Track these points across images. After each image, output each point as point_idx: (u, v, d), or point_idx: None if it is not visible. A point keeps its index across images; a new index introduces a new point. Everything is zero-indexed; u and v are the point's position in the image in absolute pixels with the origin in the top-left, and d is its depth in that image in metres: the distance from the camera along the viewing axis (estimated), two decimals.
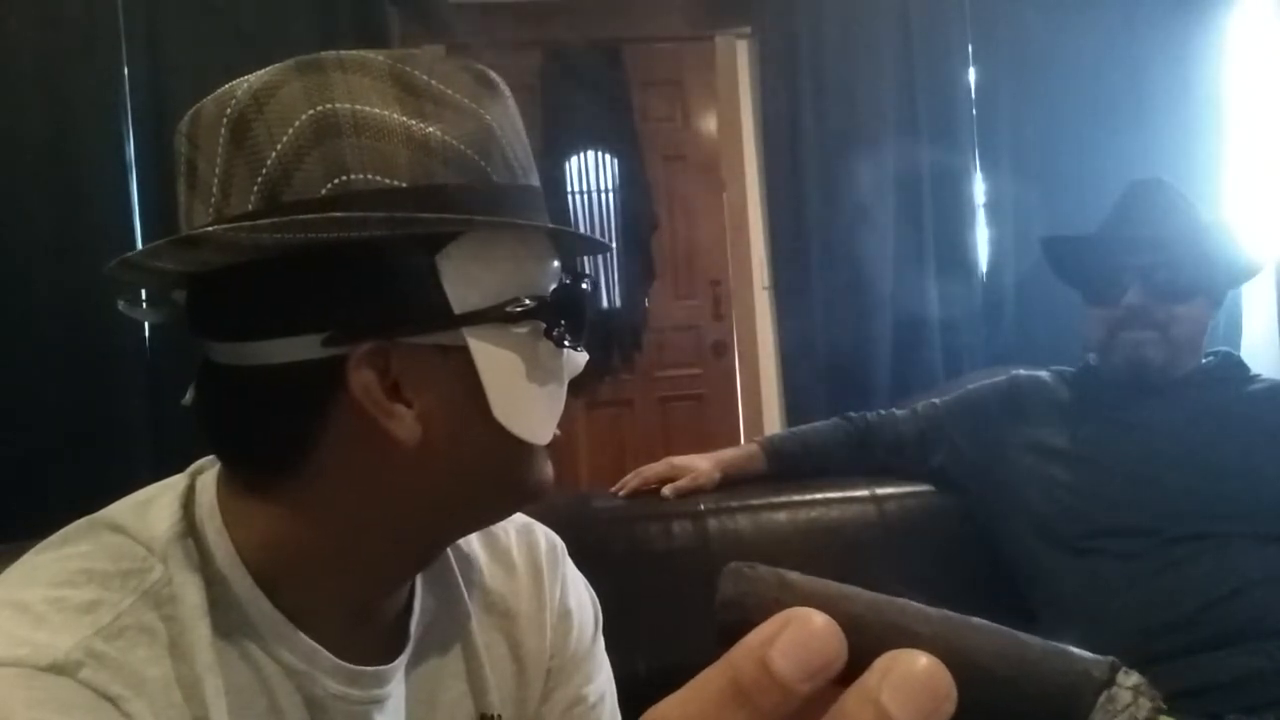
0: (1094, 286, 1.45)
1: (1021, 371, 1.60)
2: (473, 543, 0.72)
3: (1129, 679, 0.23)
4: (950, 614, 0.24)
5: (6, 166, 2.18)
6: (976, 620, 0.24)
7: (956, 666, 0.21)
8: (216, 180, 0.55)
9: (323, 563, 0.58)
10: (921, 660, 0.21)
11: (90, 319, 2.17)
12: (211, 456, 0.62)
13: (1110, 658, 0.23)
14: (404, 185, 0.55)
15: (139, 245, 2.22)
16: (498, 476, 0.61)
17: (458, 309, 0.56)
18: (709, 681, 0.21)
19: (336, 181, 0.54)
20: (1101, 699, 0.23)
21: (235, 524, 0.57)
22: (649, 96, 3.79)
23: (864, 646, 0.22)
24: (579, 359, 0.64)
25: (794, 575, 0.26)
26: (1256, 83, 2.67)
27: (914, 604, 0.25)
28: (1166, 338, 1.40)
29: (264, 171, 0.54)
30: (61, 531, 0.57)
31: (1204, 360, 1.46)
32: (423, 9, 2.62)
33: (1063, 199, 2.51)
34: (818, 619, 0.21)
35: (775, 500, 1.54)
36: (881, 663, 0.21)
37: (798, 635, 0.21)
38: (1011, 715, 0.23)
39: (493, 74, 0.61)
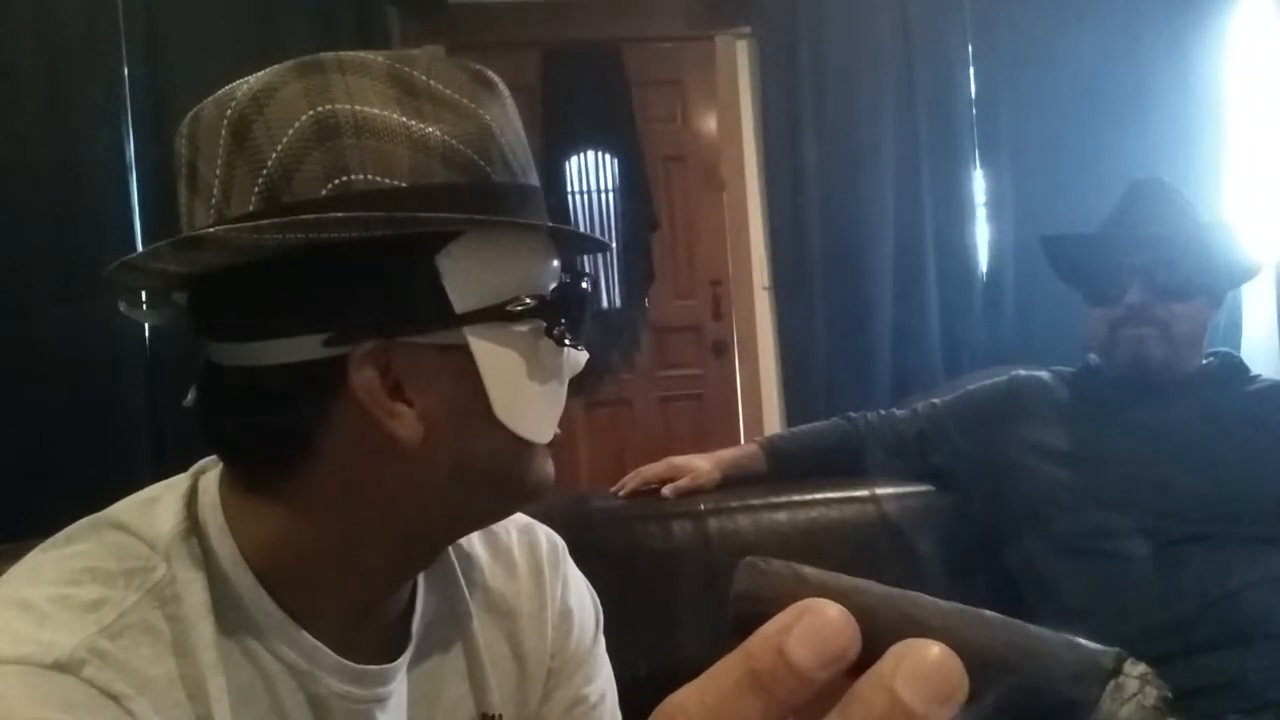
0: (1095, 286, 1.45)
1: (1021, 371, 1.60)
2: (474, 542, 0.72)
3: (1136, 668, 0.24)
4: (962, 606, 0.25)
5: (7, 166, 2.18)
6: (987, 613, 0.25)
7: (968, 656, 0.21)
8: (217, 181, 0.55)
9: (325, 561, 0.58)
10: (934, 649, 0.21)
11: (90, 319, 2.17)
12: (213, 456, 0.62)
13: (1117, 649, 0.24)
14: (404, 185, 0.55)
15: (139, 245, 2.23)
16: (499, 475, 0.61)
17: (458, 308, 0.56)
18: (726, 670, 0.22)
19: (337, 182, 0.54)
20: (1109, 687, 0.23)
21: (238, 523, 0.58)
22: (649, 96, 3.79)
23: (877, 637, 0.22)
24: (579, 357, 0.65)
25: (808, 569, 0.26)
26: (1256, 83, 2.67)
27: (926, 596, 0.25)
28: (1167, 335, 1.40)
29: (264, 172, 0.54)
30: (65, 531, 0.57)
31: (1204, 361, 1.46)
32: (423, 9, 2.62)
33: (1063, 199, 2.51)
34: (833, 609, 0.22)
35: (775, 500, 1.54)
36: (895, 651, 0.21)
37: (813, 625, 0.21)
38: (1021, 704, 0.23)
39: (491, 74, 0.61)
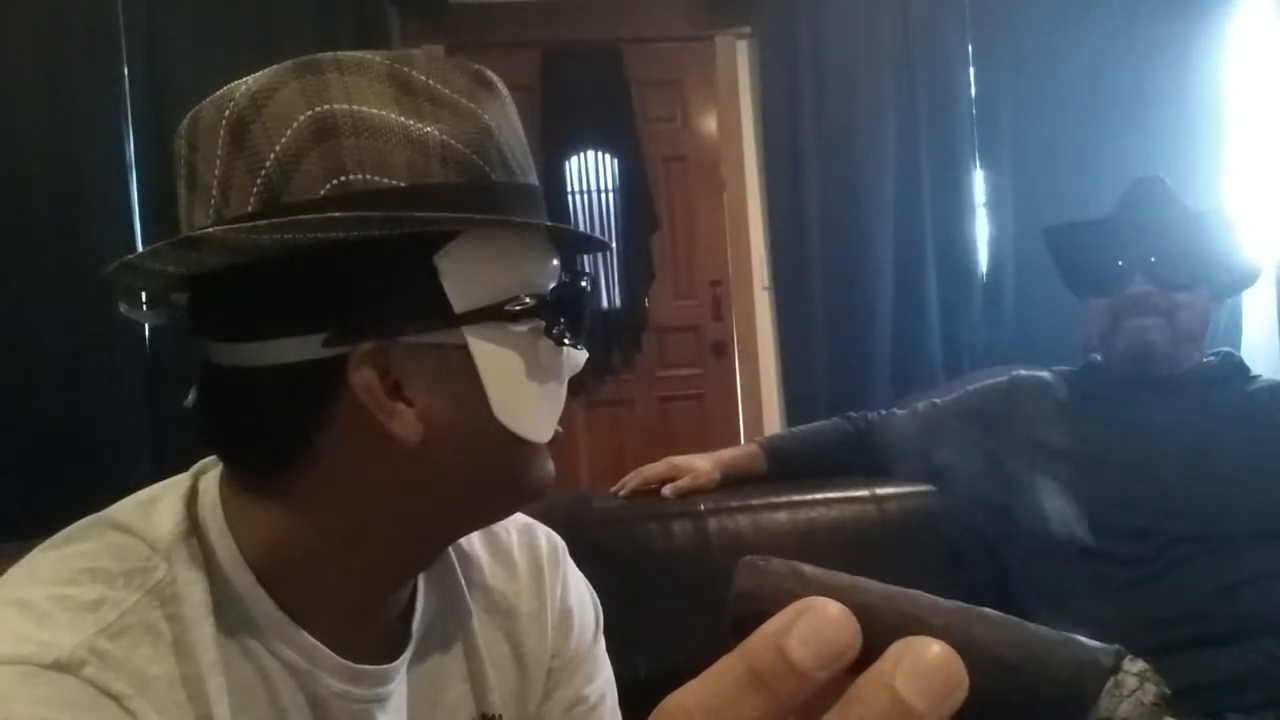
0: (1097, 276, 1.45)
1: (1021, 371, 1.60)
2: (474, 542, 0.72)
3: (1134, 665, 0.24)
4: (962, 604, 0.25)
5: (7, 166, 2.19)
6: (987, 610, 0.25)
7: (968, 654, 0.21)
8: (216, 182, 0.55)
9: (325, 561, 0.58)
10: (934, 647, 0.21)
11: (90, 319, 2.17)
12: (213, 456, 0.62)
13: (1116, 646, 0.24)
14: (402, 185, 0.55)
15: (139, 245, 2.23)
16: (499, 475, 0.61)
17: (457, 308, 0.56)
18: (726, 669, 0.22)
19: (335, 182, 0.54)
20: (1109, 684, 0.23)
21: (237, 523, 0.58)
22: (649, 96, 3.79)
23: (878, 635, 0.22)
24: (579, 357, 0.65)
25: (808, 567, 0.26)
26: (1256, 83, 2.67)
27: (926, 595, 0.25)
28: (1171, 324, 1.40)
29: (263, 173, 0.54)
30: (65, 530, 0.57)
31: (1206, 359, 1.46)
32: (423, 9, 2.62)
33: (1063, 199, 2.51)
34: (833, 608, 0.22)
35: (775, 500, 1.54)
36: (895, 649, 0.21)
37: (814, 623, 0.21)
38: (1021, 701, 0.23)
39: (490, 73, 0.61)
